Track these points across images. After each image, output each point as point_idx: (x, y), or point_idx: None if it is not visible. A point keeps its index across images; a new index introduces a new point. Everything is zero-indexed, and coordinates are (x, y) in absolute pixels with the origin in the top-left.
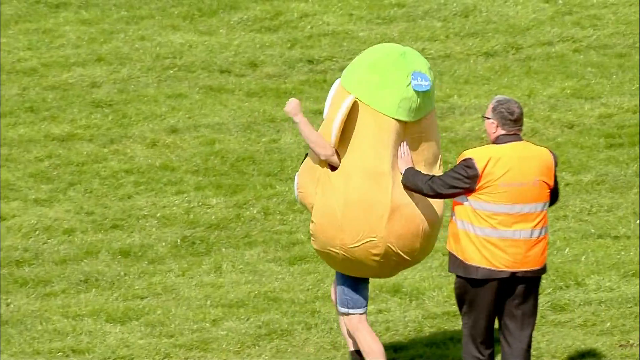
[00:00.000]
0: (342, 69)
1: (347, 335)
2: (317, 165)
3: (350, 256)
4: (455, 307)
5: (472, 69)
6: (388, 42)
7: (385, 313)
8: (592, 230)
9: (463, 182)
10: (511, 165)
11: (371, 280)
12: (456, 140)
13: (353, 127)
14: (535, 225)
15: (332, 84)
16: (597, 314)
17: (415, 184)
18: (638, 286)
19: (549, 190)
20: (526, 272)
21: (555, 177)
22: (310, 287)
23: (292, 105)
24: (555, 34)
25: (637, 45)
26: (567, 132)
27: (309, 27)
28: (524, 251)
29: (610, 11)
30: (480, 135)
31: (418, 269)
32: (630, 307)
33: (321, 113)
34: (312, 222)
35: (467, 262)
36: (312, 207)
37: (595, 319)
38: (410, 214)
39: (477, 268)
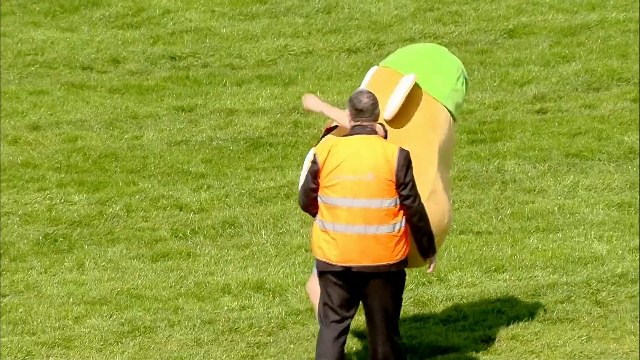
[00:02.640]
0: (204, 65)
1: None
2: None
3: None
4: None
5: (335, 66)
6: (251, 38)
7: (249, 310)
8: (454, 226)
9: (312, 182)
10: (344, 157)
11: (235, 276)
12: (319, 137)
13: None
14: (373, 221)
15: (195, 80)
16: (459, 310)
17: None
18: (500, 281)
19: (394, 187)
20: (362, 267)
21: (407, 176)
22: (173, 284)
23: (312, 101)
24: (417, 30)
25: (498, 41)
26: None
27: (171, 23)
28: (358, 246)
29: (471, 7)
30: None
31: (282, 266)
32: (492, 303)
33: (184, 110)
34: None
35: (314, 255)
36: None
37: (458, 315)
38: (440, 200)
39: (318, 261)
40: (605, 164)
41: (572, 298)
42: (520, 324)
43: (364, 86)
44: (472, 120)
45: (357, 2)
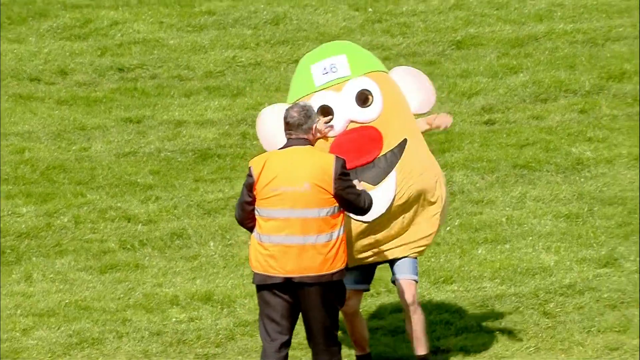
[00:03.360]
0: (152, 77)
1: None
2: (425, 147)
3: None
4: None
5: (283, 77)
6: (199, 49)
7: (197, 321)
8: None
9: (247, 195)
10: (280, 170)
11: (183, 288)
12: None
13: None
14: (311, 231)
15: (143, 91)
16: None
17: None
18: (448, 293)
19: (331, 196)
20: (302, 277)
21: (344, 184)
22: (122, 295)
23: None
24: (366, 41)
25: (446, 53)
26: None
27: (119, 35)
28: (298, 257)
29: (419, 19)
30: None
31: (230, 277)
32: (440, 314)
33: (132, 121)
34: (442, 195)
35: (252, 269)
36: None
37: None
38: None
39: (255, 274)
40: (552, 175)
41: (520, 309)
42: (469, 335)
43: (378, 93)
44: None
45: (305, 13)
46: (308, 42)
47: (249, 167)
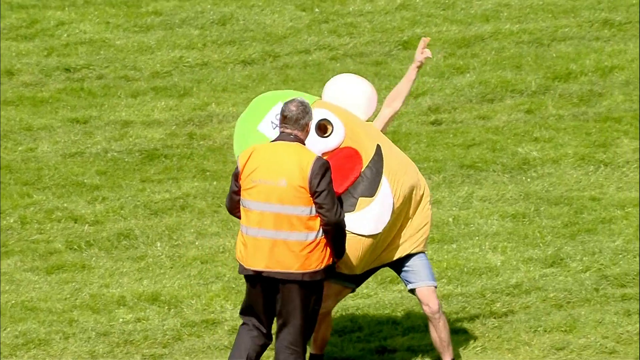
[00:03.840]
0: (99, 77)
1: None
2: (393, 146)
3: None
4: (214, 315)
5: (230, 77)
6: (145, 50)
7: (144, 322)
8: None
9: (234, 184)
10: (261, 162)
11: (130, 288)
12: (214, 149)
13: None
14: (284, 227)
15: (90, 91)
16: (354, 321)
17: None
18: (395, 292)
19: (308, 195)
20: (271, 272)
21: (320, 185)
22: (68, 296)
23: None
24: (312, 42)
25: (393, 53)
26: None
27: (65, 35)
28: (268, 251)
29: (366, 19)
30: None
31: (177, 278)
32: (387, 313)
33: (78, 122)
34: (424, 183)
35: (236, 259)
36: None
37: (353, 326)
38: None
39: (239, 265)
40: (499, 175)
41: (467, 309)
42: (416, 335)
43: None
44: None
45: (252, 14)
46: (255, 42)
47: (237, 157)
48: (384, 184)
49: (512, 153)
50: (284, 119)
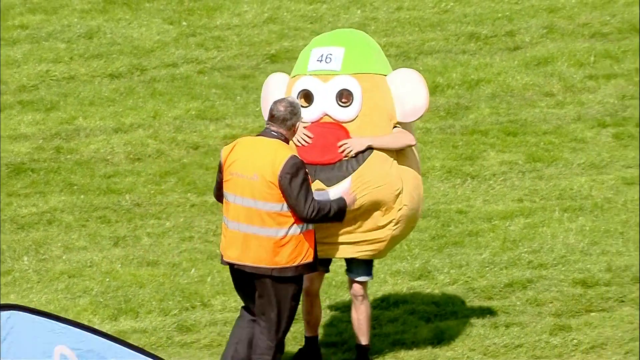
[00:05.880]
0: None
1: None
2: (389, 161)
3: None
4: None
5: (97, 91)
6: (12, 63)
7: None
8: (218, 251)
9: (218, 176)
10: (240, 155)
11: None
12: (82, 162)
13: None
14: (255, 222)
15: None
16: (222, 335)
17: None
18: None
19: (279, 192)
20: (241, 265)
21: (291, 184)
22: None
23: (356, 143)
24: (180, 55)
25: (261, 66)
26: (193, 153)
27: None
28: (240, 244)
29: (233, 33)
30: (106, 157)
31: (44, 292)
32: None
33: None
34: (404, 207)
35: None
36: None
37: (221, 340)
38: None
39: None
40: None
41: (334, 322)
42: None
43: (357, 96)
44: None
45: (119, 27)
46: (122, 55)
47: (221, 150)
48: (346, 183)
49: None
50: (272, 117)
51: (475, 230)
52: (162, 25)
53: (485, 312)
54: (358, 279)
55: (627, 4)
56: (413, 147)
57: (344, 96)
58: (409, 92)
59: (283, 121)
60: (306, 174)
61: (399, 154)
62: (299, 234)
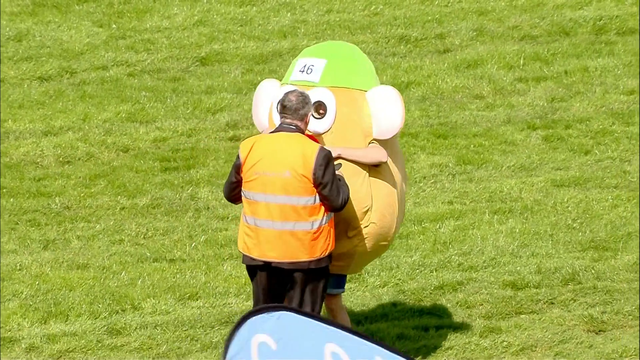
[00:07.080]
0: None
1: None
2: (361, 175)
3: (389, 244)
4: (10, 333)
5: (27, 94)
6: None
7: None
8: (148, 254)
9: (234, 176)
10: (264, 154)
11: None
12: (11, 165)
13: None
14: (290, 218)
15: None
16: (153, 338)
17: None
18: (194, 309)
19: (311, 186)
20: (280, 263)
21: (325, 175)
22: None
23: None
24: (110, 58)
25: (191, 69)
26: (123, 156)
27: None
28: (276, 242)
29: (163, 35)
30: (35, 160)
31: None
32: (185, 330)
33: None
34: (371, 224)
35: (240, 250)
36: (365, 213)
37: (152, 343)
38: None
39: (243, 255)
40: None
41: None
42: (214, 351)
43: (331, 111)
44: (165, 147)
45: (49, 30)
46: (52, 58)
47: (238, 149)
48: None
49: None
50: (284, 108)
51: (405, 233)
52: (92, 28)
53: (416, 314)
54: (329, 291)
55: (556, 7)
56: (395, 164)
57: (320, 108)
58: (386, 110)
59: (295, 111)
60: (334, 164)
61: (372, 169)
62: (326, 224)
